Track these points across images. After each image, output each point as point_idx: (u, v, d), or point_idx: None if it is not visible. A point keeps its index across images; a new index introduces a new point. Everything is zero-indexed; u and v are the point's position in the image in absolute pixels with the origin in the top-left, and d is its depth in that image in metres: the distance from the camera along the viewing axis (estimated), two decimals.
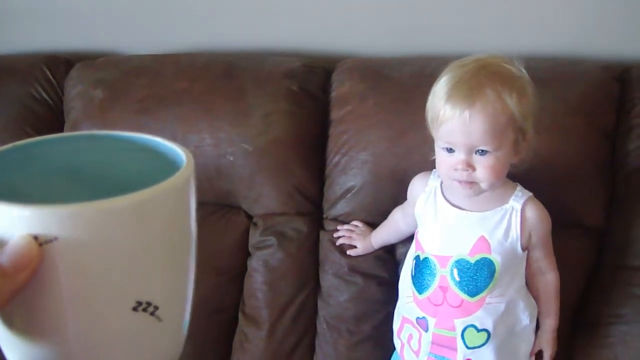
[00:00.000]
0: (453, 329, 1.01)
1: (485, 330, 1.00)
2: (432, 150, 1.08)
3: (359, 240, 1.21)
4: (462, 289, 1.00)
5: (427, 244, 1.04)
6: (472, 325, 1.00)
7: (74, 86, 1.36)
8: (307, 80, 1.30)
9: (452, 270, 1.00)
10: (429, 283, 1.02)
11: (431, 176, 1.08)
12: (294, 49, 1.41)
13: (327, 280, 1.24)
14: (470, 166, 0.94)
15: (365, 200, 1.23)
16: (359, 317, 1.22)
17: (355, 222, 1.24)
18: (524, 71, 0.96)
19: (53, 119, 1.38)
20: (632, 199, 1.17)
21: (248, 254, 1.27)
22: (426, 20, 1.35)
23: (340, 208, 1.25)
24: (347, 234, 1.22)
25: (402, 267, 1.14)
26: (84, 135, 0.41)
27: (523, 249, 1.02)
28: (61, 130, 1.36)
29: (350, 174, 1.23)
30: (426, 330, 1.03)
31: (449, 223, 1.03)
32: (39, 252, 0.30)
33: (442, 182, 1.06)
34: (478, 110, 0.90)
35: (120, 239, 0.32)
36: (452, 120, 0.92)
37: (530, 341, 1.06)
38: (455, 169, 0.95)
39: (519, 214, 1.00)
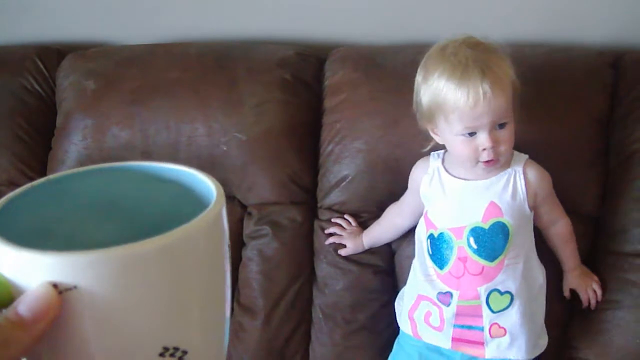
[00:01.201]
0: (477, 297, 1.03)
1: (508, 292, 1.03)
2: (426, 140, 1.11)
3: (350, 239, 1.21)
4: (480, 256, 1.02)
5: (439, 220, 1.06)
6: (496, 289, 1.03)
7: (66, 77, 1.35)
8: (300, 69, 1.29)
9: (468, 239, 1.03)
10: (448, 257, 1.05)
11: (431, 159, 1.11)
12: (286, 37, 1.40)
13: (323, 269, 1.24)
14: (495, 142, 0.98)
15: (359, 189, 1.23)
16: (354, 306, 1.22)
17: (347, 217, 1.23)
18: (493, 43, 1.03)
19: (45, 110, 1.37)
20: (627, 186, 1.17)
21: (243, 244, 1.26)
22: (419, 8, 1.35)
23: (335, 197, 1.24)
24: (338, 231, 1.22)
25: (413, 251, 1.14)
26: (116, 167, 0.40)
27: (530, 209, 1.05)
28: (53, 120, 1.35)
29: (344, 163, 1.23)
30: (448, 304, 1.05)
31: (458, 195, 1.06)
32: (58, 301, 0.30)
33: (443, 161, 1.09)
34: (497, 87, 0.95)
35: (144, 285, 0.31)
36: (477, 106, 0.95)
37: (543, 305, 1.09)
38: (483, 149, 0.98)
39: (521, 175, 1.05)
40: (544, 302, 1.10)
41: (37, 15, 1.49)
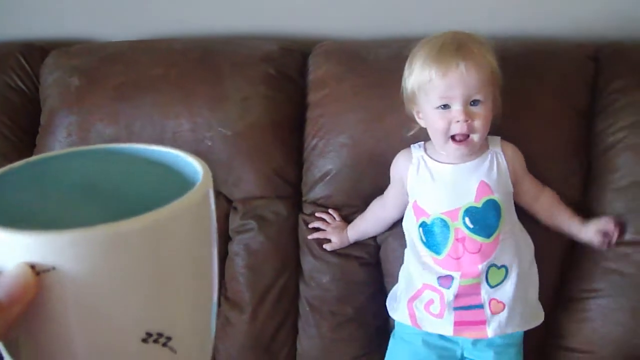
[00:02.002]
0: (478, 275, 1.05)
1: (504, 266, 1.06)
2: (411, 127, 1.14)
3: (334, 234, 1.22)
4: (477, 234, 1.05)
5: (432, 206, 1.08)
6: (493, 265, 1.06)
7: (50, 74, 1.35)
8: (284, 64, 1.29)
9: (464, 219, 1.06)
10: (444, 241, 1.07)
11: (412, 150, 1.14)
12: (270, 32, 1.40)
13: (308, 262, 1.24)
14: (468, 116, 1.02)
15: (343, 183, 1.23)
16: (341, 298, 1.23)
17: (331, 212, 1.23)
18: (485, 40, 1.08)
19: (29, 108, 1.36)
20: (607, 176, 1.18)
21: (229, 239, 1.27)
22: (402, 3, 1.35)
23: (319, 191, 1.25)
24: (322, 226, 1.23)
25: (398, 243, 1.17)
26: (98, 149, 0.39)
27: (512, 185, 1.10)
28: (37, 118, 1.35)
29: (328, 157, 1.23)
30: (449, 287, 1.06)
31: (448, 179, 1.09)
32: (35, 283, 0.28)
33: (426, 150, 1.12)
34: (471, 62, 1.01)
35: (126, 266, 0.29)
36: (448, 75, 1.01)
37: (536, 284, 1.12)
38: (457, 121, 1.02)
39: (501, 153, 1.10)
40: (537, 279, 1.12)
41: (20, 13, 1.48)
